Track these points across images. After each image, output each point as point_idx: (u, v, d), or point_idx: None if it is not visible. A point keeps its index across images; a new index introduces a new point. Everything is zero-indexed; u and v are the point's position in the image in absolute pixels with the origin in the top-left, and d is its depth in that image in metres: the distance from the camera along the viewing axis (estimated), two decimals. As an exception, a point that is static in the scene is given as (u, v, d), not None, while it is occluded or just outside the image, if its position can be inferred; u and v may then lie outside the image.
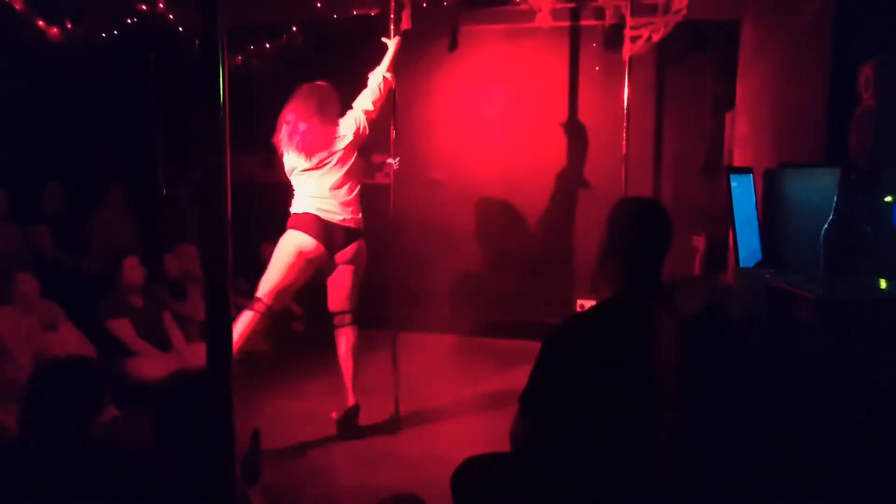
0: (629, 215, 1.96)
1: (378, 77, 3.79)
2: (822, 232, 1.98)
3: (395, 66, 3.86)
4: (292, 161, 3.65)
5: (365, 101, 3.75)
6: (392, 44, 3.85)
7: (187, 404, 1.94)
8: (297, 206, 3.68)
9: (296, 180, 3.70)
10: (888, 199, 2.30)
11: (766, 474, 1.85)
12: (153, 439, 1.96)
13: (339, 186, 3.66)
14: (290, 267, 3.59)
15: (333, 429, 3.78)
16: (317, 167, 3.64)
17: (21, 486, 1.93)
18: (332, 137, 3.65)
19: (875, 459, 1.77)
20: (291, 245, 3.60)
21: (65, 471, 1.95)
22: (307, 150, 3.59)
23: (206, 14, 1.24)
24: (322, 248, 3.62)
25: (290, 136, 3.59)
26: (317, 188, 3.64)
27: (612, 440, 1.85)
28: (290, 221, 3.67)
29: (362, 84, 3.82)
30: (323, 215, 3.63)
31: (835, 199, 1.99)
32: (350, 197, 3.70)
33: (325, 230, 3.62)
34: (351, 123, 3.70)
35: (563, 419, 1.86)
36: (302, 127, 3.57)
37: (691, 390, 1.84)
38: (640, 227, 1.94)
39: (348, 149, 3.68)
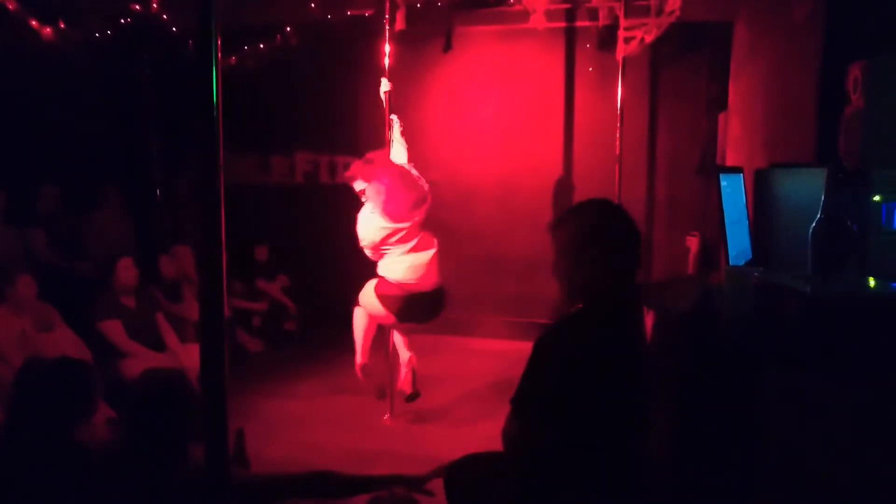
0: (584, 224, 1.90)
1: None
2: (810, 230, 2.00)
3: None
4: None
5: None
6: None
7: (157, 403, 1.95)
8: None
9: None
10: (877, 198, 2.33)
11: (755, 470, 1.87)
12: (127, 437, 1.97)
13: None
14: None
15: (327, 427, 3.81)
16: None
17: (6, 484, 1.93)
18: None
19: (865, 453, 1.78)
20: None
21: (49, 470, 1.96)
22: None
23: (201, 15, 1.25)
24: None
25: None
26: None
27: (603, 440, 1.87)
28: None
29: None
30: None
31: (822, 198, 2.01)
32: None
33: None
34: None
35: (554, 420, 1.87)
36: None
37: (681, 388, 1.86)
38: (600, 232, 1.88)
39: None
